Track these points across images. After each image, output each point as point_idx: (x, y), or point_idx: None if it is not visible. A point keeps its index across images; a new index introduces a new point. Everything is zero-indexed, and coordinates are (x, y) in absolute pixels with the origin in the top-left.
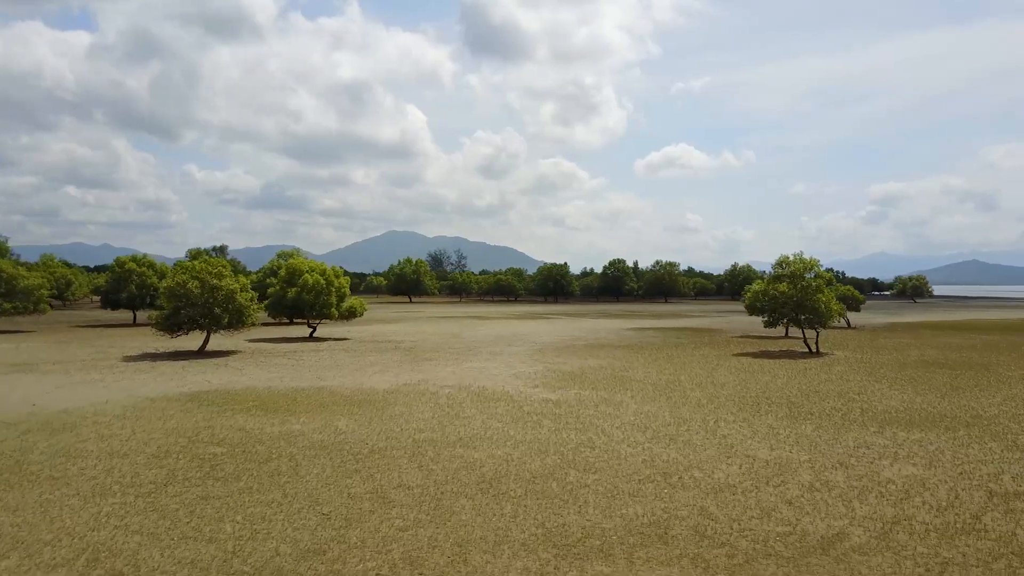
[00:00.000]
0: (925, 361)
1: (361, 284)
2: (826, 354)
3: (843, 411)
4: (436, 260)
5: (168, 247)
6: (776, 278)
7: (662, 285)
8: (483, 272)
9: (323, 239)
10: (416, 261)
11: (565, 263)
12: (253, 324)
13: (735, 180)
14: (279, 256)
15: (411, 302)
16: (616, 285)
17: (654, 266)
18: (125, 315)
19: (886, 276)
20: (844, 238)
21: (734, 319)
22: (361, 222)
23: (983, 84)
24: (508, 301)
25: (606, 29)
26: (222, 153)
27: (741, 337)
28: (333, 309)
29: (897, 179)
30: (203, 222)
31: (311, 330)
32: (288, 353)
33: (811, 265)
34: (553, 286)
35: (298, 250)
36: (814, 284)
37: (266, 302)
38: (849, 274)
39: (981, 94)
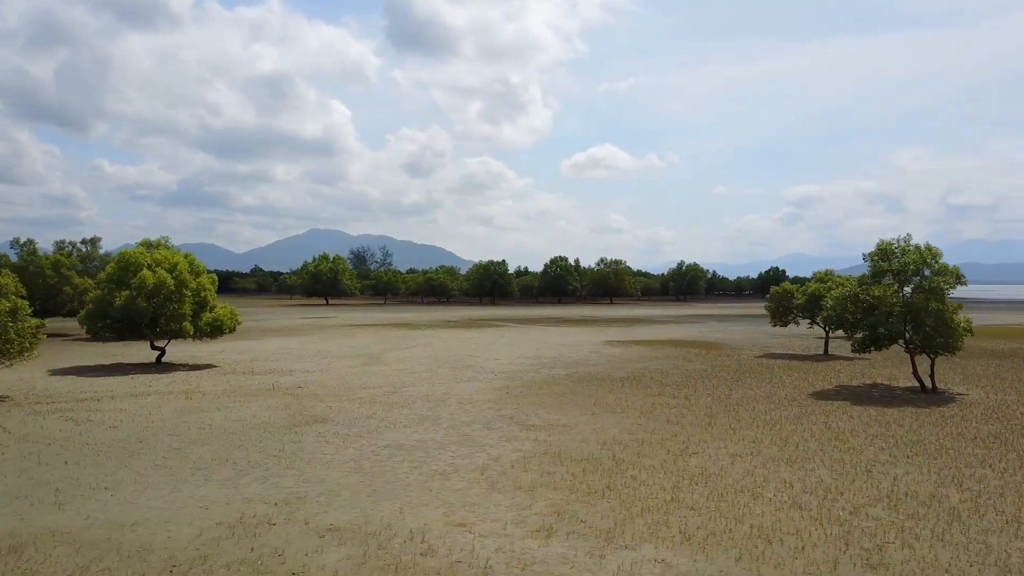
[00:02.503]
0: None
1: (274, 284)
2: (954, 395)
3: None
4: (359, 258)
5: None
6: (878, 275)
7: (607, 285)
8: (411, 271)
9: (244, 237)
10: (334, 258)
11: (503, 260)
12: (22, 353)
13: (659, 181)
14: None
15: (327, 304)
16: (559, 285)
17: (599, 264)
18: None
19: (803, 275)
20: (763, 238)
21: (721, 328)
22: (283, 220)
23: (892, 91)
24: (440, 303)
25: (533, 26)
26: (135, 147)
27: (771, 357)
28: (187, 323)
29: (812, 182)
30: (115, 219)
31: (158, 353)
32: (48, 412)
33: (934, 256)
34: (490, 286)
35: (165, 240)
36: (935, 286)
37: (82, 312)
38: (761, 273)
39: (891, 101)
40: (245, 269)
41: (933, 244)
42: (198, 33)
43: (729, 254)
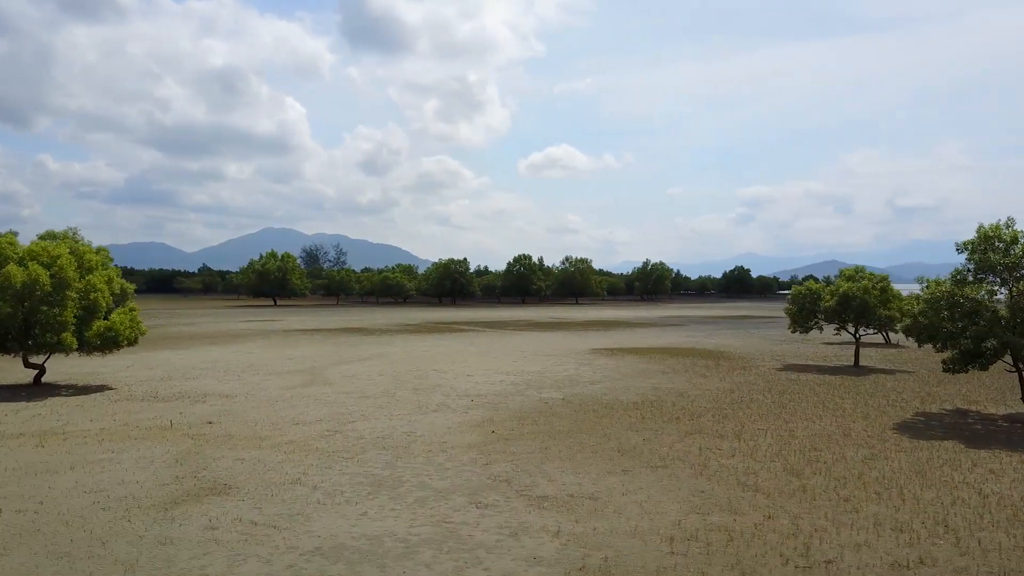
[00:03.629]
0: None
1: (221, 283)
2: None
3: None
4: (311, 257)
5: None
6: (983, 269)
7: (573, 284)
8: (366, 270)
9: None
10: (283, 256)
11: (465, 259)
12: None
13: (615, 182)
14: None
15: (275, 305)
16: (522, 284)
17: (563, 263)
18: None
19: (754, 274)
20: (716, 239)
21: (709, 332)
22: (236, 219)
23: (844, 94)
24: (397, 304)
25: (490, 25)
26: (80, 143)
27: (796, 370)
28: (67, 334)
29: (765, 183)
30: (59, 217)
31: (36, 372)
32: None
33: None
34: (451, 286)
35: (73, 232)
36: None
37: None
38: (721, 274)
39: (842, 104)
40: (196, 268)
41: (881, 245)
42: (146, 26)
43: (683, 254)
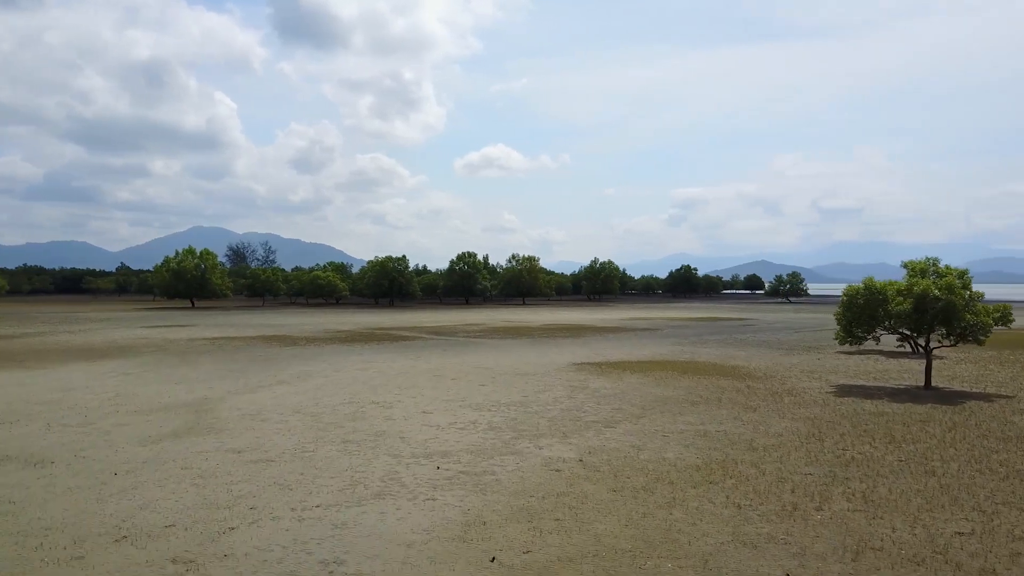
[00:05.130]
0: None
1: (135, 283)
2: None
3: None
4: (238, 255)
5: None
6: None
7: (521, 283)
8: (296, 269)
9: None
10: (201, 252)
11: (403, 256)
12: None
13: (551, 182)
14: None
15: (192, 307)
16: (467, 284)
17: (510, 261)
18: None
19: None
20: (649, 239)
21: (696, 338)
22: (163, 217)
23: (775, 98)
24: (329, 305)
25: (426, 21)
26: None
27: (864, 396)
28: None
29: (697, 184)
30: None
31: None
32: None
33: None
34: (388, 285)
35: None
36: None
37: None
38: (653, 273)
39: (773, 107)
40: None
41: (807, 245)
42: (65, 14)
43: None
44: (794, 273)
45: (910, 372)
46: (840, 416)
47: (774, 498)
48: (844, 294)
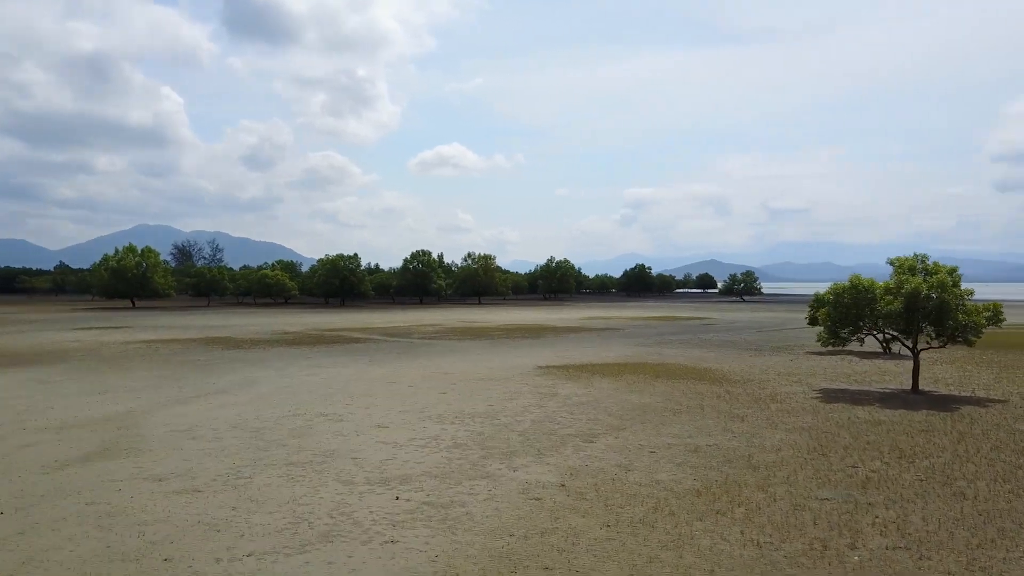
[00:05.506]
0: None
1: (74, 282)
2: None
3: None
4: (184, 254)
5: None
6: None
7: (477, 283)
8: (244, 268)
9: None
10: (143, 250)
11: (356, 254)
12: None
13: (505, 181)
14: None
15: (133, 307)
16: (421, 283)
17: (466, 260)
18: None
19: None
20: (601, 239)
21: (665, 339)
22: (106, 215)
23: (726, 101)
24: (277, 305)
25: (380, 18)
26: None
27: (855, 403)
28: None
29: (649, 185)
30: None
31: None
32: None
33: None
34: (340, 284)
35: None
36: None
37: None
38: (604, 273)
39: (724, 109)
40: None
41: (755, 245)
42: (3, 5)
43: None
44: (748, 272)
45: (890, 374)
46: (836, 426)
47: (796, 532)
48: (829, 293)
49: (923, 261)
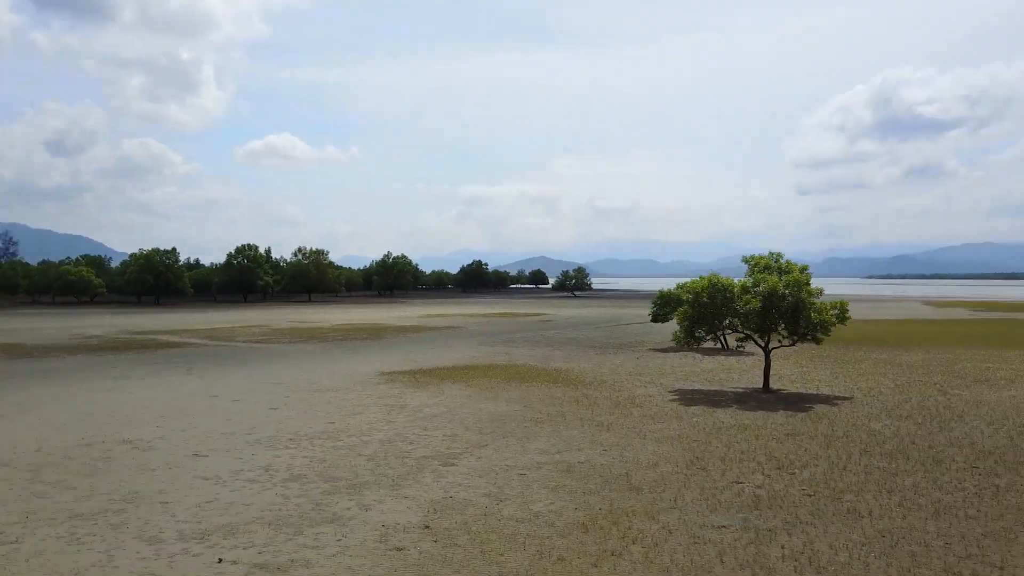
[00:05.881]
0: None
1: None
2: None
3: None
4: None
5: None
6: None
7: (308, 279)
8: (44, 263)
9: None
10: None
11: (174, 248)
12: None
13: (338, 174)
14: None
15: None
16: (247, 279)
17: (296, 255)
18: None
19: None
20: (436, 235)
21: (510, 339)
22: None
23: (557, 101)
24: (81, 304)
25: None
26: None
27: (713, 404)
28: None
29: (483, 183)
30: None
31: None
32: None
33: None
34: (155, 281)
35: None
36: None
37: None
38: (440, 268)
39: (555, 109)
40: None
41: (582, 242)
42: None
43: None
44: (580, 268)
45: (735, 371)
46: (705, 433)
47: (705, 575)
48: (686, 291)
49: (777, 260)
